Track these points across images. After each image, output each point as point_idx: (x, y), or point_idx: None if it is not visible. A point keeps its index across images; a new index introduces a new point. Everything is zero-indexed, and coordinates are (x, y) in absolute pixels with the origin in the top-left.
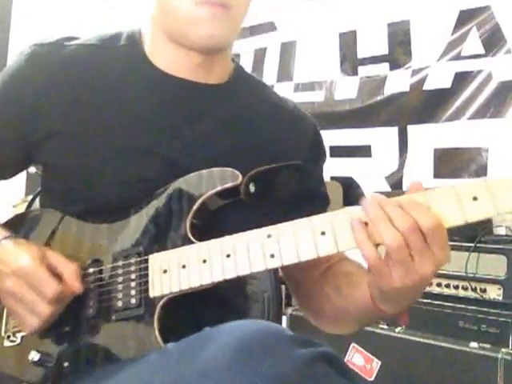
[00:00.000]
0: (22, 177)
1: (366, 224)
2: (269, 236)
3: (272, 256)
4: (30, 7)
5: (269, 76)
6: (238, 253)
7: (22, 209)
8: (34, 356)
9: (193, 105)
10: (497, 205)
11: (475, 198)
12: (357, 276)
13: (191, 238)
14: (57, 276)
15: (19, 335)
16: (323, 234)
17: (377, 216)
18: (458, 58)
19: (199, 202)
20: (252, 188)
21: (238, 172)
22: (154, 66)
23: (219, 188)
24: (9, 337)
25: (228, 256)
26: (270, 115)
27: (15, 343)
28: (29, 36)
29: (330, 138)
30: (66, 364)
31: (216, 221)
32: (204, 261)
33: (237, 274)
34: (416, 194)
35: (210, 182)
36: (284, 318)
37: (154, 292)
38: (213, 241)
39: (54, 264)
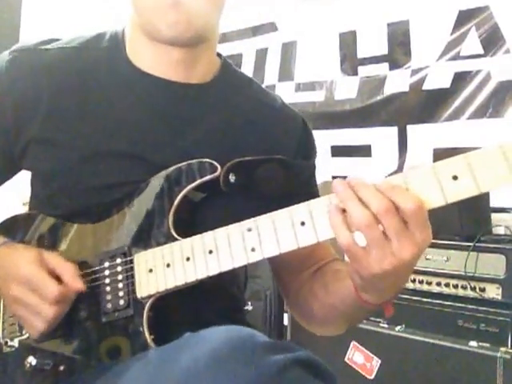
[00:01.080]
0: None
1: (344, 210)
2: (249, 230)
3: (253, 250)
4: (39, 7)
5: (270, 76)
6: (220, 248)
7: None
8: (32, 361)
9: (174, 108)
10: (479, 183)
11: (455, 177)
12: (343, 272)
13: (174, 234)
14: (56, 277)
15: (16, 340)
16: (303, 224)
17: (346, 196)
18: (457, 57)
19: (179, 197)
20: (232, 178)
21: (216, 163)
22: (134, 66)
23: (199, 181)
24: (6, 343)
25: (210, 252)
26: (258, 114)
27: (13, 349)
28: (38, 34)
29: (330, 137)
30: (61, 368)
31: (199, 214)
32: (187, 258)
33: (220, 270)
34: (394, 175)
35: (189, 175)
36: (285, 316)
37: (141, 292)
38: (195, 237)
39: (52, 266)
